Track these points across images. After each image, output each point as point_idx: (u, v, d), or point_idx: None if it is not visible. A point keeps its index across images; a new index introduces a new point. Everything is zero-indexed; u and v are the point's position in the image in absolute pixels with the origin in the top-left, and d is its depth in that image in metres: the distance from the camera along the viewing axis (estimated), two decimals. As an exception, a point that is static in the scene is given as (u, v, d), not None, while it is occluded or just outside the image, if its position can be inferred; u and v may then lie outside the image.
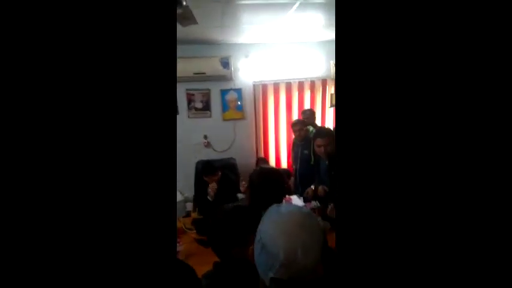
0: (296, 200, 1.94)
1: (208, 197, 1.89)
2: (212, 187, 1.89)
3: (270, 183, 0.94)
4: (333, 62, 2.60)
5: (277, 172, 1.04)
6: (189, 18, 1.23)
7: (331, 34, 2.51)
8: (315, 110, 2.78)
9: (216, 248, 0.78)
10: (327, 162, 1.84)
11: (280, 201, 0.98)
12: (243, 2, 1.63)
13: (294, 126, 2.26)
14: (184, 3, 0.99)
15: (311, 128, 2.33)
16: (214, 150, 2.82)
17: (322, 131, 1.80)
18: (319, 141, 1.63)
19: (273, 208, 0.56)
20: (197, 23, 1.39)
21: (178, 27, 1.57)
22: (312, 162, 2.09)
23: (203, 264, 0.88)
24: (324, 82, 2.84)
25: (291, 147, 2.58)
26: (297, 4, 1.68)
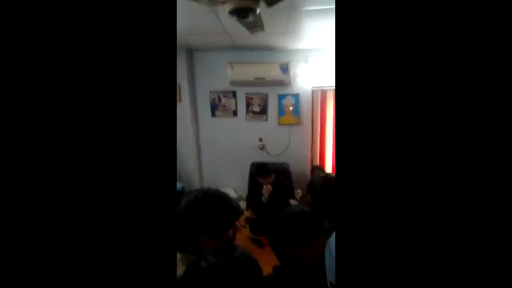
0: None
1: (262, 198, 1.93)
2: (267, 189, 1.92)
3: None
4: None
5: None
6: (258, 26, 1.29)
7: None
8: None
9: (278, 248, 0.79)
10: None
11: None
12: (308, 8, 1.64)
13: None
14: (258, 11, 1.04)
15: None
16: (269, 153, 2.87)
17: None
18: None
19: None
20: (264, 30, 1.45)
21: (244, 33, 1.67)
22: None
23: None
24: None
25: None
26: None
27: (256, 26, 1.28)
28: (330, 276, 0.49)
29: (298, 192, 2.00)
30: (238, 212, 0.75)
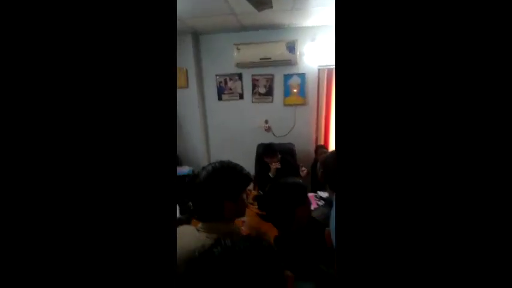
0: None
1: (270, 174, 2.01)
2: (275, 165, 2.01)
3: None
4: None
5: None
6: (267, 3, 1.27)
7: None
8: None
9: (270, 217, 0.91)
10: None
11: None
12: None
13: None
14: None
15: None
16: (274, 135, 2.91)
17: None
18: None
19: None
20: (272, 7, 1.42)
21: (251, 12, 1.61)
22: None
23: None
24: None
25: None
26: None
27: (264, 3, 1.26)
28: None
29: (303, 170, 2.07)
30: (249, 178, 0.85)
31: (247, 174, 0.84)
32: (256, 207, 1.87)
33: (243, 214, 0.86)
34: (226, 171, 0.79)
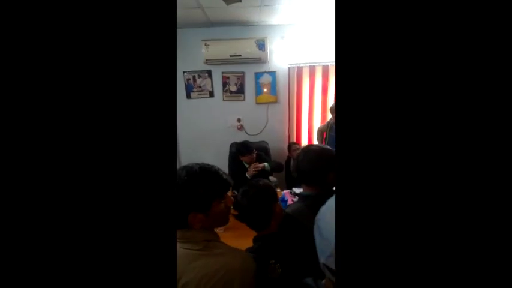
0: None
1: (247, 174, 1.96)
2: (253, 165, 1.96)
3: (323, 162, 0.91)
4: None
5: (326, 149, 0.99)
6: (235, -4, 1.23)
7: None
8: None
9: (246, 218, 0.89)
10: None
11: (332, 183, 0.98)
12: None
13: (334, 112, 2.21)
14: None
15: None
16: (247, 133, 2.88)
17: None
18: None
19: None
20: (241, 1, 1.38)
21: (218, 7, 1.57)
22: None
23: (241, 237, 0.97)
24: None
25: (321, 135, 2.55)
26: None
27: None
28: (322, 257, 0.48)
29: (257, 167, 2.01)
30: (226, 184, 0.74)
31: (226, 180, 0.74)
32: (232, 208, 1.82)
33: (225, 222, 0.77)
34: (193, 179, 0.68)
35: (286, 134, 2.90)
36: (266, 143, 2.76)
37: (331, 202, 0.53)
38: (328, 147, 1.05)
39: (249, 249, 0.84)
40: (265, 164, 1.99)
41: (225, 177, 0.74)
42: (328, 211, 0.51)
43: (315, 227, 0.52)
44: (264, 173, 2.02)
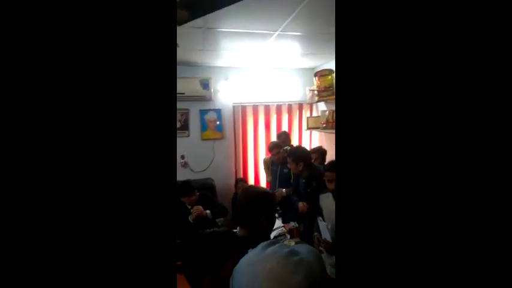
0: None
1: (190, 219, 1.82)
2: (196, 208, 1.83)
3: (257, 205, 0.90)
4: (308, 88, 2.76)
5: (265, 192, 0.98)
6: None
7: (307, 62, 2.70)
8: (291, 132, 2.92)
9: (188, 276, 0.75)
10: (303, 180, 1.90)
11: (272, 223, 0.96)
12: (224, 30, 1.72)
13: (272, 150, 2.32)
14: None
15: (287, 148, 2.40)
16: (192, 170, 2.76)
17: (333, 164, 1.58)
18: (331, 175, 1.51)
19: (256, 249, 0.51)
20: (179, 46, 1.42)
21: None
22: (291, 181, 2.13)
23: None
24: (300, 106, 2.99)
25: (267, 166, 2.63)
26: (275, 34, 1.81)
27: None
28: None
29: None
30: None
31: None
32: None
33: None
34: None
35: (233, 170, 2.89)
36: (212, 180, 2.68)
37: (247, 257, 0.51)
38: (268, 190, 1.08)
39: None
40: (208, 212, 1.88)
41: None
42: (242, 268, 0.49)
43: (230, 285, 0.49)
44: (210, 208, 1.92)
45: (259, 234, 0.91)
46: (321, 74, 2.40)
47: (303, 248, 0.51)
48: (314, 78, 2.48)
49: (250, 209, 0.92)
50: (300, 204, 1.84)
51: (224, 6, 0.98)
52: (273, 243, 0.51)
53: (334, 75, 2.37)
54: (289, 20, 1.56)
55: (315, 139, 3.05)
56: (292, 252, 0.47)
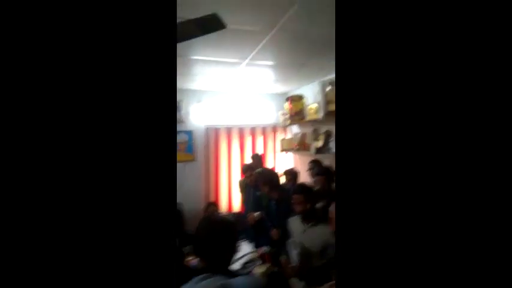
0: (245, 246, 1.88)
1: None
2: None
3: (216, 235, 0.85)
4: (281, 112, 2.82)
5: (226, 221, 0.93)
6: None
7: (279, 88, 2.78)
8: (265, 154, 2.92)
9: None
10: (274, 203, 1.87)
11: (232, 253, 0.91)
12: (195, 58, 1.73)
13: (245, 172, 2.29)
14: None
15: (260, 170, 2.38)
16: (160, 194, 2.63)
17: (300, 187, 1.57)
18: (298, 198, 1.48)
19: (189, 284, 0.50)
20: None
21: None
22: (264, 204, 2.09)
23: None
24: (274, 129, 3.03)
25: (242, 189, 2.58)
26: (245, 63, 1.85)
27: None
28: None
29: None
30: None
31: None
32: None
33: None
34: None
35: (203, 194, 2.80)
36: (181, 204, 2.56)
37: None
38: (231, 219, 1.03)
39: None
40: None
41: None
42: None
43: None
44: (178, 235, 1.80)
45: (217, 266, 0.86)
46: (292, 99, 2.47)
47: (240, 281, 0.50)
48: (286, 103, 2.55)
49: (208, 240, 0.87)
50: (274, 231, 1.80)
51: (192, 38, 0.99)
52: (205, 278, 0.51)
53: (304, 100, 2.46)
54: (256, 50, 1.61)
55: (290, 160, 3.08)
56: (224, 287, 0.47)
